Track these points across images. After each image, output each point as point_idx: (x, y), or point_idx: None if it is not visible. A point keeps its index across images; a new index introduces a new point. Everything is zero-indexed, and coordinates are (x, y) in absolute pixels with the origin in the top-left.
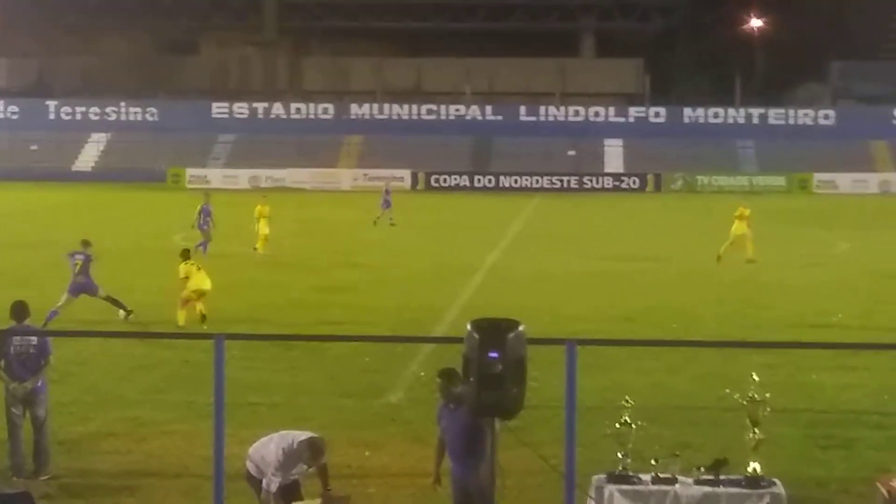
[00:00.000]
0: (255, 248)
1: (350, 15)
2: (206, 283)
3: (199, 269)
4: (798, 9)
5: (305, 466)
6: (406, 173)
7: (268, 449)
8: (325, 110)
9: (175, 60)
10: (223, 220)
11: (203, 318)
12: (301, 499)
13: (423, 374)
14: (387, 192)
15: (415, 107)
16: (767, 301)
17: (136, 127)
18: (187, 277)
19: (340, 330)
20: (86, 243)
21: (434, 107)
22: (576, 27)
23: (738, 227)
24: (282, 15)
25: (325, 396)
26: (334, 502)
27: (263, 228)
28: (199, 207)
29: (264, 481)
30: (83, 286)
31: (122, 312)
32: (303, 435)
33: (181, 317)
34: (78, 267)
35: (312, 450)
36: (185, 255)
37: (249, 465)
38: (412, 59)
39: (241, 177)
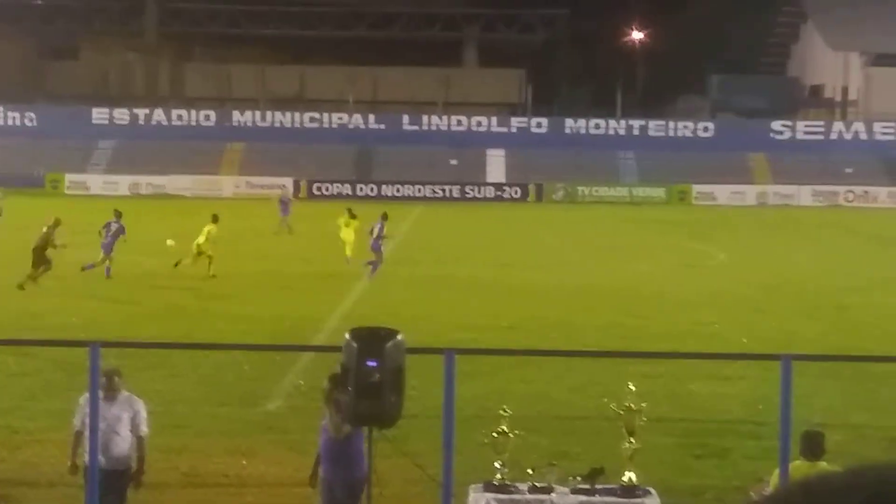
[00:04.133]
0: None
1: (233, 21)
2: (201, 240)
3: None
4: (679, 22)
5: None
6: (288, 181)
7: None
8: (206, 117)
9: (55, 65)
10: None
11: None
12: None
13: (301, 382)
14: (283, 199)
15: (297, 114)
16: (646, 311)
17: (15, 132)
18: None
19: (219, 338)
20: (118, 213)
21: (317, 114)
22: (459, 37)
23: None
24: (163, 20)
25: (202, 404)
26: None
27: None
28: (375, 226)
29: None
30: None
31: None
32: None
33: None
34: (111, 231)
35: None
36: (215, 218)
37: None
38: (295, 66)
39: (122, 183)
